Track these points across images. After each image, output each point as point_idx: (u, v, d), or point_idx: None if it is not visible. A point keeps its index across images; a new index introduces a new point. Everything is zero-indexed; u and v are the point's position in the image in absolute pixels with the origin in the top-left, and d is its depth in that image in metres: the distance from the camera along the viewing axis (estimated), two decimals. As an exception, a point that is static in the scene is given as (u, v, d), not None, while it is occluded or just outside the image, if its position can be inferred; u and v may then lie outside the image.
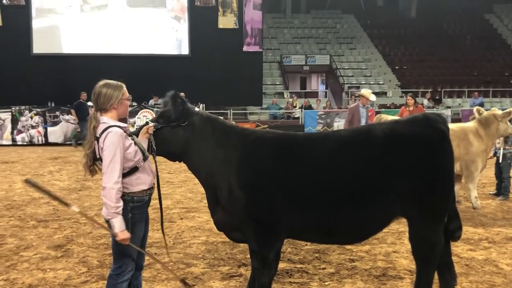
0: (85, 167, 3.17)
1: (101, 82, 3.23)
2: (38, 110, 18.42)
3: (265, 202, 3.31)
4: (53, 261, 4.89)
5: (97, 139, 3.09)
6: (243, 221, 3.37)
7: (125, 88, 3.25)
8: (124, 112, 3.28)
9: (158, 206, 3.54)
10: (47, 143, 18.09)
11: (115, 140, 3.03)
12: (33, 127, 18.33)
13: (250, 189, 3.32)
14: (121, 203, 3.05)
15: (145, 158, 3.21)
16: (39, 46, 21.66)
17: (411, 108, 10.18)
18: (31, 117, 18.32)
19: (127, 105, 3.28)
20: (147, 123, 3.51)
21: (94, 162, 3.17)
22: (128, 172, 3.14)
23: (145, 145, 3.34)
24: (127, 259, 3.23)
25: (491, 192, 8.11)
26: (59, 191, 8.72)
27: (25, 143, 18.09)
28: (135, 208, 3.18)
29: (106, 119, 3.15)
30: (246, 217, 3.34)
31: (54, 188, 8.97)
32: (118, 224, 3.04)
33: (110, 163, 3.01)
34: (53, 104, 19.29)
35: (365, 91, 9.79)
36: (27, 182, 3.11)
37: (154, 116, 3.86)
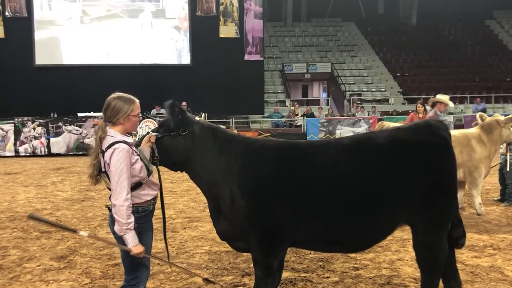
0: (91, 177, 3.17)
1: (115, 94, 3.24)
2: (41, 121, 18.50)
3: (267, 211, 3.30)
4: (56, 272, 4.87)
5: (103, 152, 3.09)
6: (246, 230, 3.35)
7: (136, 104, 3.24)
8: (132, 128, 3.27)
9: (161, 216, 3.54)
10: (50, 154, 18.14)
11: (121, 157, 3.04)
12: (36, 138, 18.40)
13: (253, 198, 3.31)
14: (132, 219, 3.06)
15: (149, 174, 3.22)
16: (41, 57, 21.80)
17: (420, 115, 10.01)
18: (34, 128, 18.40)
19: (135, 122, 3.26)
20: (148, 133, 3.51)
21: (99, 173, 3.16)
22: (133, 187, 3.15)
23: (148, 154, 3.35)
24: (141, 268, 3.26)
25: (495, 198, 8.07)
26: (62, 201, 8.72)
27: (28, 154, 18.15)
28: (140, 218, 3.19)
29: (114, 133, 3.16)
30: (249, 226, 3.32)
31: (57, 199, 8.98)
32: (131, 239, 3.07)
33: (119, 181, 3.02)
34: (55, 115, 19.39)
35: (442, 97, 8.90)
36: (30, 217, 3.14)
37: (156, 125, 3.85)
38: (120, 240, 3.14)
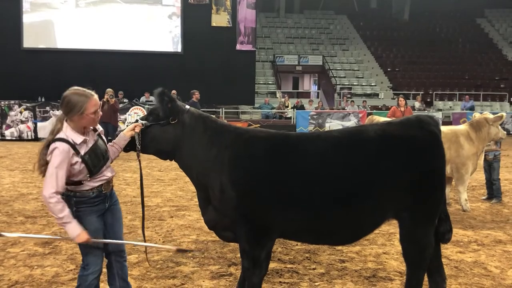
0: (39, 167, 3.11)
1: (71, 89, 3.14)
2: (28, 105, 18.26)
3: (257, 202, 3.29)
4: (41, 258, 4.83)
5: (47, 146, 3.06)
6: (234, 221, 3.34)
7: (92, 101, 3.10)
8: (90, 124, 3.18)
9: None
10: (36, 139, 17.94)
11: (59, 156, 2.99)
12: (22, 122, 18.17)
13: (242, 189, 3.29)
14: (65, 212, 3.00)
15: (92, 175, 3.14)
16: (30, 40, 21.44)
17: (402, 109, 10.64)
18: (21, 112, 18.16)
19: (91, 119, 3.13)
20: (137, 121, 3.45)
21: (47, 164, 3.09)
22: (72, 183, 3.12)
23: (124, 142, 3.34)
24: (88, 256, 3.23)
25: (483, 198, 8.05)
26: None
27: (14, 138, 17.93)
28: (80, 202, 3.16)
29: (65, 128, 3.09)
30: (237, 216, 3.31)
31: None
32: (70, 230, 3.05)
33: (50, 177, 2.99)
34: (43, 99, 19.12)
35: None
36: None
37: (145, 113, 3.80)
38: None
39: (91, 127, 3.24)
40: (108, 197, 3.31)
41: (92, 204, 3.19)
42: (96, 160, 3.15)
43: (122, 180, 8.92)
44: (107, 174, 3.27)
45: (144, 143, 3.37)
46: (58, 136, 3.06)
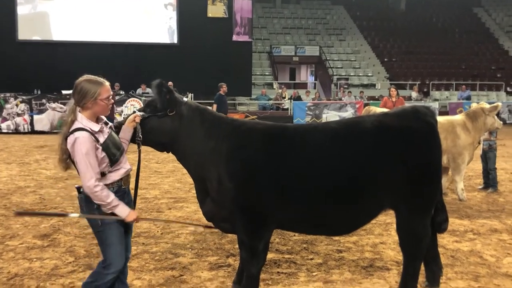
0: (60, 161, 3.10)
1: (83, 77, 3.13)
2: (24, 97, 18.16)
3: (254, 193, 3.31)
4: (40, 250, 4.85)
5: (67, 136, 3.03)
6: (232, 212, 3.36)
7: (105, 87, 3.12)
8: (100, 112, 3.15)
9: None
10: (33, 131, 17.87)
11: (83, 144, 2.98)
12: (18, 115, 18.08)
13: (240, 180, 3.30)
14: (111, 197, 3.04)
15: (112, 163, 3.13)
16: (25, 32, 21.29)
17: (394, 99, 11.00)
18: (17, 105, 18.07)
19: (104, 106, 3.12)
20: (134, 112, 3.44)
21: (69, 157, 3.08)
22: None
23: (129, 134, 3.32)
24: (109, 251, 3.18)
25: (479, 187, 8.08)
26: (46, 179, 8.63)
27: (10, 131, 17.85)
28: None
29: (80, 118, 3.07)
30: (235, 208, 3.33)
31: (41, 177, 8.88)
32: (121, 212, 3.10)
33: (84, 167, 2.98)
34: (39, 92, 19.00)
35: None
36: (18, 214, 3.14)
37: (142, 105, 3.77)
38: (89, 221, 3.21)
39: (103, 120, 3.21)
40: (127, 193, 3.30)
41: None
42: (114, 148, 3.15)
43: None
44: (126, 166, 3.26)
45: (142, 134, 3.36)
46: (75, 126, 3.03)
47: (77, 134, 3.00)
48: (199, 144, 3.41)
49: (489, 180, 7.86)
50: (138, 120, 3.33)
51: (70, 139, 3.00)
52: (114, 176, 3.17)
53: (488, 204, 6.99)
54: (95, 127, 3.09)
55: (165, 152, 3.62)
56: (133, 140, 3.36)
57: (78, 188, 3.18)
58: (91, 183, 2.98)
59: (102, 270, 3.21)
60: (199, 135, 3.43)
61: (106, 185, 3.10)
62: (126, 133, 3.33)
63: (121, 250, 3.22)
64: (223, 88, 13.62)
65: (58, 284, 4.01)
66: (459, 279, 4.15)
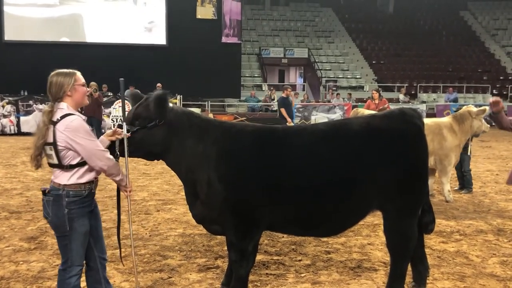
0: (32, 159, 3.06)
1: (53, 72, 3.14)
2: (10, 99, 17.96)
3: (244, 195, 3.31)
4: (26, 253, 4.80)
5: (54, 123, 2.98)
6: (222, 214, 3.36)
7: (78, 75, 3.13)
8: (81, 98, 3.13)
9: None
10: (19, 133, 17.68)
11: (82, 126, 2.99)
12: (5, 116, 17.89)
13: (230, 183, 3.31)
14: (121, 170, 3.19)
15: None
16: (12, 33, 21.04)
17: (376, 101, 11.30)
18: (3, 106, 17.87)
19: (82, 91, 3.11)
20: (120, 126, 3.34)
21: (41, 154, 3.07)
22: (81, 163, 3.04)
23: (105, 145, 3.24)
24: (71, 254, 3.11)
25: (456, 188, 8.17)
26: (32, 182, 8.54)
27: (-4, 132, 17.64)
28: (72, 203, 3.04)
29: (66, 106, 3.05)
30: (225, 210, 3.33)
31: (27, 179, 8.79)
32: (124, 181, 3.28)
33: (93, 144, 3.00)
34: (26, 93, 18.79)
35: None
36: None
37: (130, 107, 3.72)
38: (52, 225, 3.15)
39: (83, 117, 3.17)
40: (93, 199, 3.26)
41: (83, 204, 3.10)
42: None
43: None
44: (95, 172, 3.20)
45: (132, 148, 3.32)
46: (62, 113, 3.00)
47: (71, 117, 2.98)
48: (189, 149, 3.40)
49: (464, 181, 7.97)
50: (119, 137, 3.28)
51: (63, 123, 2.96)
52: (89, 176, 3.10)
53: (474, 205, 7.08)
54: (82, 116, 3.09)
55: (155, 160, 3.59)
56: (112, 153, 3.24)
57: (44, 191, 3.10)
58: (108, 156, 3.03)
59: (64, 274, 3.14)
60: (188, 140, 3.41)
61: (81, 184, 3.07)
62: (102, 143, 3.23)
63: (83, 252, 3.17)
64: (287, 91, 13.19)
65: (45, 286, 3.98)
66: (445, 279, 4.19)
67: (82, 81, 3.13)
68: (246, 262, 3.39)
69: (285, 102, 12.64)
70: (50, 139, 2.99)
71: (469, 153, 7.85)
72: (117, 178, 3.20)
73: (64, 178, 3.04)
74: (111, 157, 3.09)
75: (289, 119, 12.21)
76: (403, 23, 34.05)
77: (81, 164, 3.05)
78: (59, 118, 2.98)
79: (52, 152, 3.00)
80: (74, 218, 3.06)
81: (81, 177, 3.07)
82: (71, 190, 3.05)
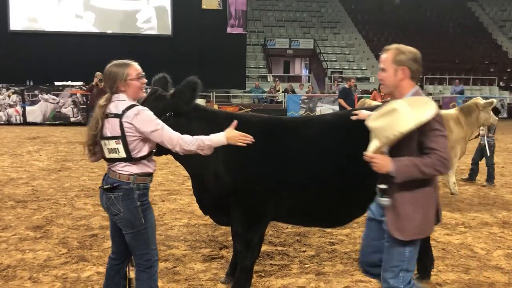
0: (88, 148, 2.93)
1: (110, 63, 3.00)
2: (16, 88, 18.01)
3: (252, 187, 3.31)
4: (32, 242, 4.84)
5: (119, 115, 2.84)
6: (229, 206, 3.36)
7: (132, 68, 2.96)
8: (135, 94, 2.97)
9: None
10: (25, 123, 17.75)
11: (151, 114, 2.86)
12: (10, 106, 17.94)
13: (237, 174, 3.31)
14: (202, 137, 2.90)
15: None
16: (17, 22, 21.04)
17: (383, 93, 11.24)
18: (9, 96, 17.92)
19: (136, 87, 2.95)
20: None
21: (94, 145, 2.93)
22: (147, 154, 2.95)
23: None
24: (152, 247, 3.00)
25: (463, 178, 8.26)
26: (38, 171, 8.59)
27: (2, 122, 17.72)
28: (142, 196, 2.95)
29: (125, 97, 2.92)
30: (232, 201, 3.34)
31: (33, 169, 8.83)
32: (218, 140, 2.92)
33: (166, 131, 2.86)
34: (31, 83, 18.84)
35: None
36: None
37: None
38: (125, 222, 2.92)
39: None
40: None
41: (147, 197, 3.01)
42: None
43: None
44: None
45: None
46: (128, 104, 2.87)
47: (138, 107, 2.87)
48: None
49: (475, 174, 8.16)
50: None
51: (130, 115, 2.82)
52: (152, 165, 3.01)
53: (479, 197, 7.05)
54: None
55: (163, 155, 3.46)
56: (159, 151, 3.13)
57: (110, 188, 2.90)
58: (180, 139, 2.85)
59: (150, 272, 3.00)
60: (197, 132, 3.39)
61: (146, 175, 2.95)
62: None
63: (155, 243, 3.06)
64: (350, 82, 13.13)
65: (51, 275, 4.01)
66: (449, 271, 4.19)
67: (136, 73, 2.96)
68: (251, 253, 3.40)
69: (346, 93, 12.55)
70: (117, 133, 2.84)
71: (487, 148, 7.90)
72: (204, 150, 2.92)
73: (132, 171, 2.90)
74: (186, 136, 2.90)
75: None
76: (409, 14, 33.75)
77: (148, 155, 2.94)
78: (124, 110, 2.85)
79: (119, 146, 2.85)
80: (146, 210, 2.97)
81: (148, 168, 2.96)
82: (141, 183, 2.93)
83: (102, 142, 2.90)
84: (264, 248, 4.56)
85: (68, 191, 7.06)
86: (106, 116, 2.88)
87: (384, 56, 2.71)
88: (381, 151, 2.60)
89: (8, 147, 11.61)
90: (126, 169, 2.90)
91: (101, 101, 2.93)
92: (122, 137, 2.84)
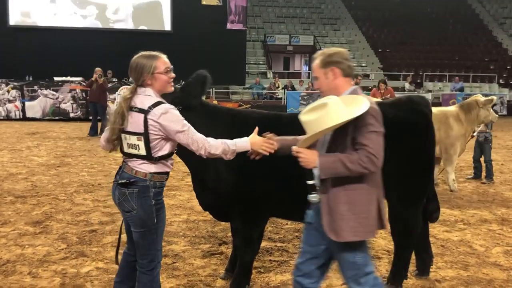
0: (108, 141, 2.83)
1: (138, 54, 2.91)
2: (16, 84, 17.97)
3: (252, 184, 3.31)
4: (32, 237, 4.84)
5: (145, 111, 2.72)
6: (230, 202, 3.36)
7: (161, 59, 2.87)
8: (162, 87, 2.86)
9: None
10: (24, 118, 17.73)
11: (178, 114, 2.77)
12: (10, 101, 17.91)
13: (238, 171, 3.30)
14: (230, 142, 2.82)
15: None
16: (17, 17, 20.98)
17: (382, 91, 11.39)
18: (8, 91, 17.88)
19: (164, 80, 2.84)
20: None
21: (118, 139, 2.83)
22: (168, 155, 2.86)
23: None
24: (158, 248, 2.94)
25: (468, 177, 8.24)
26: (37, 166, 8.58)
27: (1, 118, 17.69)
28: (157, 194, 2.86)
29: (154, 93, 2.81)
30: (233, 197, 3.34)
31: (33, 164, 8.83)
32: (242, 146, 2.84)
33: (191, 134, 2.75)
34: (31, 78, 18.79)
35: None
36: None
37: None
38: (137, 220, 2.82)
39: None
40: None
41: (162, 196, 2.93)
42: None
43: (112, 160, 8.92)
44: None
45: None
46: (155, 100, 2.75)
47: (166, 105, 2.75)
48: None
49: (479, 170, 8.06)
50: None
51: (156, 113, 2.70)
52: (170, 164, 2.90)
53: (478, 194, 7.06)
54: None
55: None
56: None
57: (125, 183, 2.79)
58: (207, 144, 2.75)
59: (153, 273, 2.92)
60: (201, 129, 3.38)
61: (164, 173, 2.86)
62: None
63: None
64: (357, 79, 13.00)
65: (50, 270, 4.01)
66: (448, 268, 4.20)
67: (164, 66, 2.87)
68: (251, 249, 3.40)
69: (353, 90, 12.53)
70: (140, 129, 2.72)
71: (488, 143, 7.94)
72: (228, 155, 2.83)
73: (150, 169, 2.80)
74: (210, 139, 2.80)
75: None
76: (409, 11, 33.65)
77: (168, 155, 2.85)
78: (151, 106, 2.73)
79: (140, 143, 2.74)
80: (160, 209, 2.88)
81: (166, 167, 2.86)
82: (157, 181, 2.83)
83: (123, 136, 2.80)
84: (263, 244, 4.56)
85: (67, 187, 7.06)
86: (130, 108, 2.77)
87: (313, 65, 2.64)
88: (309, 145, 2.50)
89: (8, 143, 11.59)
90: (143, 167, 2.80)
91: (126, 93, 2.82)
92: (145, 135, 2.72)
